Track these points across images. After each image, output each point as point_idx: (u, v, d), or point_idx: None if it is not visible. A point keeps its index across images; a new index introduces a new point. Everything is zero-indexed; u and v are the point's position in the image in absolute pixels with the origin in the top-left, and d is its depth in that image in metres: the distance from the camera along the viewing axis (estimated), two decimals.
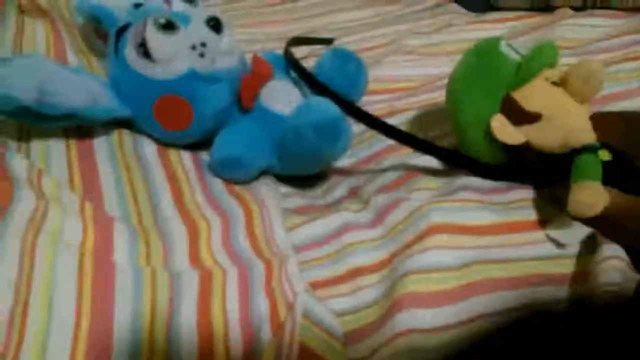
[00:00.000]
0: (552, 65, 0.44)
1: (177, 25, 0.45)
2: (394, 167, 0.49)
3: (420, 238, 0.41)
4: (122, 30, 0.48)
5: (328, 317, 0.37)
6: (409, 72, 0.63)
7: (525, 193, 0.45)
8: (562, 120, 0.43)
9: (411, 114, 0.56)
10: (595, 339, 0.34)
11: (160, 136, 0.48)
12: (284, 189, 0.50)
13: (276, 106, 0.47)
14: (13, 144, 0.44)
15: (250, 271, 0.38)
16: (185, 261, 0.38)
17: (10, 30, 0.60)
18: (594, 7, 0.74)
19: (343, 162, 0.52)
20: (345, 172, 0.51)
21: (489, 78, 0.44)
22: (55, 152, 0.44)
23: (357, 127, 0.54)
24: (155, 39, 0.44)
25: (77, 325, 0.32)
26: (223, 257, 0.39)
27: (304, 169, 0.49)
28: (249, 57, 0.51)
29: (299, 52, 0.66)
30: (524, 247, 0.41)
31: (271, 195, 0.46)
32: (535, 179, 0.45)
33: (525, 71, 0.43)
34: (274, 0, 0.84)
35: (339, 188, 0.49)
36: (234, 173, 0.47)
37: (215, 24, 0.47)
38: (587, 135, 0.42)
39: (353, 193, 0.49)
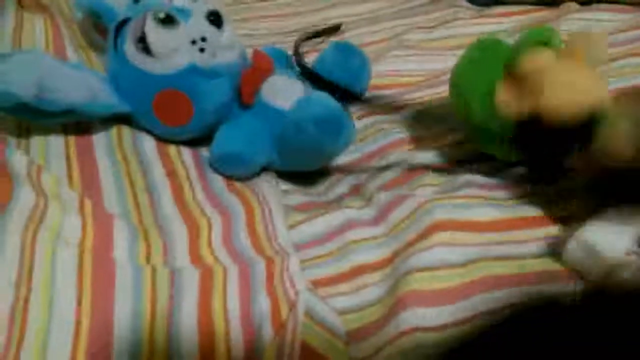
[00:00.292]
0: (548, 42, 0.42)
1: (177, 19, 0.45)
2: (396, 164, 0.49)
3: (423, 235, 0.40)
4: (121, 25, 0.47)
5: (330, 315, 0.37)
6: (413, 66, 0.63)
7: (532, 189, 0.45)
8: (568, 77, 0.39)
9: (416, 108, 0.56)
10: (602, 333, 0.34)
11: (160, 132, 0.48)
12: (285, 185, 0.49)
13: (277, 101, 0.47)
14: (12, 141, 0.43)
15: (251, 269, 0.38)
16: (185, 259, 0.38)
17: (10, 26, 0.59)
18: (600, 1, 0.73)
19: (345, 158, 0.51)
20: (347, 169, 0.51)
21: (493, 69, 0.43)
22: (54, 148, 0.44)
23: (359, 123, 0.54)
24: (155, 34, 0.44)
25: (78, 322, 0.31)
26: (224, 255, 0.39)
27: (304, 165, 0.49)
28: (249, 51, 0.50)
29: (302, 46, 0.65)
30: (528, 244, 0.40)
31: (272, 192, 0.46)
32: (546, 156, 0.43)
33: (522, 42, 0.41)
34: None
35: (341, 185, 0.49)
36: (234, 169, 0.47)
37: (215, 19, 0.46)
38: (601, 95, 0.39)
39: (355, 190, 0.48)
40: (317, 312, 0.37)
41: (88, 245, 0.35)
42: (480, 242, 0.40)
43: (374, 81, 0.57)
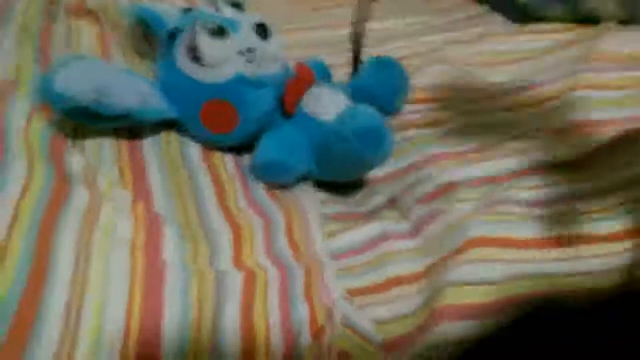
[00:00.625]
0: None
1: (227, 31, 0.46)
2: (433, 178, 0.49)
3: (459, 251, 0.41)
4: (173, 35, 0.49)
5: (366, 324, 0.38)
6: (455, 81, 0.63)
7: (566, 206, 0.45)
8: None
9: (453, 124, 0.56)
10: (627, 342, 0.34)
11: (206, 138, 0.49)
12: (323, 195, 0.50)
13: (318, 112, 0.48)
14: (70, 142, 0.45)
15: (290, 275, 0.39)
16: (229, 262, 0.39)
17: (62, 33, 0.62)
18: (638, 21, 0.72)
19: (381, 170, 0.52)
20: (383, 181, 0.51)
21: None
22: (107, 152, 0.46)
23: (397, 136, 0.54)
24: (207, 44, 0.45)
25: (129, 322, 0.32)
26: (265, 260, 0.40)
27: (344, 175, 0.50)
28: (292, 63, 0.51)
29: (336, 59, 0.66)
30: (567, 262, 0.40)
31: (310, 201, 0.47)
32: None
33: None
34: (312, 7, 0.84)
35: (377, 197, 0.49)
36: (276, 177, 0.48)
37: (262, 31, 0.48)
38: None
39: (392, 202, 0.49)
40: (353, 320, 0.37)
41: (139, 245, 0.36)
42: (517, 260, 0.40)
43: (412, 95, 0.57)
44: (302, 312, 0.36)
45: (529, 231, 0.42)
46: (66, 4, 0.67)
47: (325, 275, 0.40)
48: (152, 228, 0.38)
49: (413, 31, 0.76)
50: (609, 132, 0.51)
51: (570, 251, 0.41)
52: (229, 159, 0.49)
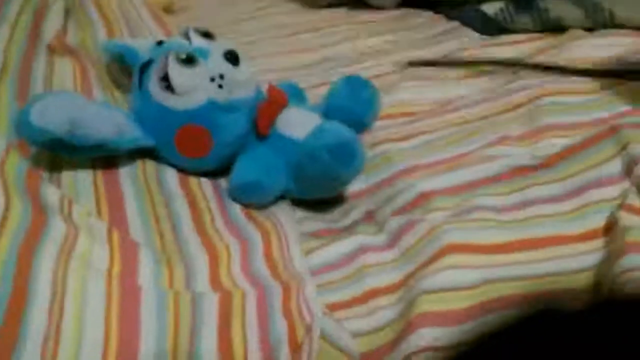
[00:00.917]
0: None
1: (197, 59, 0.48)
2: (408, 189, 0.50)
3: (434, 259, 0.41)
4: (145, 66, 0.50)
5: (345, 338, 0.38)
6: (421, 96, 0.65)
7: (542, 209, 0.46)
8: None
9: (430, 136, 0.57)
10: (611, 345, 0.34)
11: (181, 164, 0.50)
12: (301, 213, 0.51)
13: (292, 132, 0.49)
14: (46, 175, 0.46)
15: (268, 293, 0.39)
16: (206, 284, 0.39)
17: (42, 69, 0.63)
18: (604, 27, 0.75)
19: (358, 186, 0.52)
20: (360, 196, 0.52)
21: None
22: (83, 181, 0.46)
23: (370, 152, 0.55)
24: (177, 72, 0.47)
25: (105, 353, 0.32)
26: (242, 280, 0.40)
27: (319, 192, 0.50)
28: (264, 86, 0.53)
29: (310, 80, 0.68)
30: (539, 264, 0.41)
31: (288, 219, 0.48)
32: None
33: None
34: (284, 32, 0.86)
35: (354, 212, 0.50)
36: (252, 198, 0.49)
37: (232, 57, 0.49)
38: None
39: (369, 216, 0.49)
40: (332, 335, 0.37)
41: (115, 273, 0.37)
42: (491, 264, 0.41)
43: (386, 110, 0.58)
44: (280, 328, 0.36)
45: (501, 236, 0.43)
46: (48, 42, 0.69)
47: (304, 291, 0.40)
48: (128, 255, 0.39)
49: (385, 49, 0.78)
50: (576, 135, 0.53)
51: (541, 253, 0.42)
52: (206, 183, 0.50)
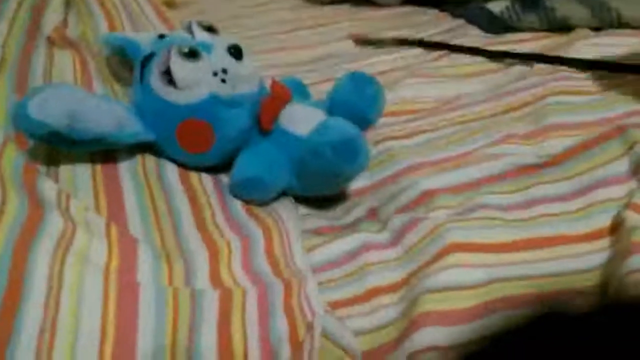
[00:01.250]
0: None
1: (199, 53, 0.47)
2: (412, 187, 0.49)
3: (438, 257, 0.41)
4: (146, 60, 0.50)
5: (347, 336, 0.37)
6: (426, 93, 0.64)
7: (548, 208, 0.45)
8: None
9: (434, 134, 0.57)
10: (617, 347, 0.34)
11: (183, 159, 0.49)
12: (303, 210, 0.50)
13: (295, 128, 0.48)
14: (43, 169, 0.45)
15: (269, 291, 0.38)
16: (206, 281, 0.39)
17: (41, 62, 0.63)
18: (610, 27, 0.74)
19: (361, 183, 0.52)
20: (363, 193, 0.52)
21: None
22: (82, 176, 0.46)
23: (374, 149, 0.55)
24: (179, 66, 0.46)
25: (102, 347, 0.32)
26: (243, 278, 0.40)
27: (322, 189, 0.50)
28: (268, 81, 0.52)
29: (314, 76, 0.68)
30: (544, 264, 0.41)
31: (290, 216, 0.47)
32: None
33: None
34: (287, 28, 0.86)
35: (357, 209, 0.50)
36: (254, 194, 0.48)
37: (235, 51, 0.49)
38: None
39: (372, 214, 0.49)
40: (334, 333, 0.37)
41: (113, 268, 0.36)
42: (495, 263, 0.40)
43: (390, 107, 0.58)
44: (281, 326, 0.36)
45: (505, 235, 0.42)
46: (48, 35, 0.68)
47: (306, 288, 0.40)
48: (126, 251, 0.38)
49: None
50: (581, 135, 0.52)
51: (547, 252, 0.42)
52: (207, 178, 0.49)
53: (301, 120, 0.49)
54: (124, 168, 0.48)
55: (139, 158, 0.49)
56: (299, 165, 0.48)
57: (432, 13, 0.88)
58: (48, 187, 0.41)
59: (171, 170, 0.49)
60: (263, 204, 0.48)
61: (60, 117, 0.43)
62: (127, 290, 0.35)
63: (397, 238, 0.44)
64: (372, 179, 0.53)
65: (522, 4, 0.77)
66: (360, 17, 0.88)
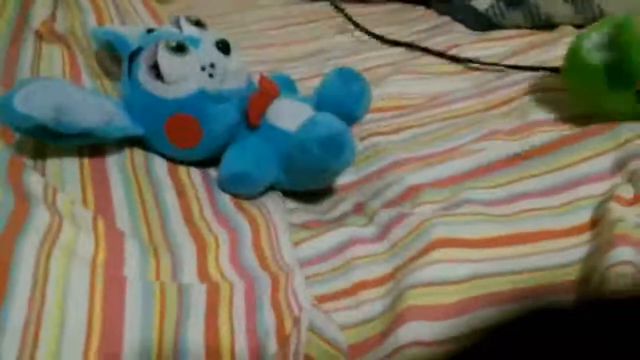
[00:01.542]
0: None
1: (187, 47, 0.47)
2: (398, 182, 0.50)
3: (424, 252, 0.41)
4: (134, 54, 0.50)
5: (333, 330, 0.38)
6: (412, 90, 0.65)
7: (532, 203, 0.46)
8: None
9: (420, 130, 0.57)
10: (600, 341, 0.34)
11: (171, 153, 0.50)
12: (290, 204, 0.50)
13: (282, 123, 0.49)
14: (29, 162, 0.45)
15: (256, 285, 0.39)
16: (193, 275, 0.39)
17: (29, 56, 0.62)
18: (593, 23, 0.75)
19: (348, 178, 0.52)
20: (350, 188, 0.52)
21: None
22: (69, 169, 0.46)
23: (360, 144, 0.55)
24: (167, 61, 0.46)
25: (88, 339, 0.32)
26: (230, 272, 0.40)
27: (310, 183, 0.50)
28: (256, 77, 0.52)
29: (302, 72, 0.68)
30: (529, 258, 0.41)
31: (278, 210, 0.47)
32: None
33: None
34: (277, 24, 0.86)
35: (344, 203, 0.50)
36: (242, 188, 0.48)
37: (224, 46, 0.49)
38: None
39: (358, 208, 0.49)
40: (320, 327, 0.37)
41: (100, 263, 0.36)
42: (480, 258, 0.41)
43: (377, 104, 0.58)
44: (268, 320, 0.36)
45: (490, 230, 0.43)
46: (36, 29, 0.68)
47: (293, 283, 0.40)
48: (113, 244, 0.38)
49: (376, 43, 0.78)
50: (566, 131, 0.53)
51: (530, 247, 0.42)
52: (195, 173, 0.49)
53: (289, 115, 0.49)
54: (112, 162, 0.47)
55: (127, 152, 0.49)
56: (286, 160, 0.48)
57: (419, 10, 0.89)
58: (34, 181, 0.41)
59: (159, 165, 0.49)
60: (251, 197, 0.49)
61: (46, 111, 0.43)
62: (114, 284, 0.35)
63: (383, 232, 0.45)
64: (358, 174, 0.53)
65: (507, 2, 0.78)
66: (349, 14, 0.88)
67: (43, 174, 0.44)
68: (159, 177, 0.48)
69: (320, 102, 0.53)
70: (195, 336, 0.34)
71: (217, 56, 0.48)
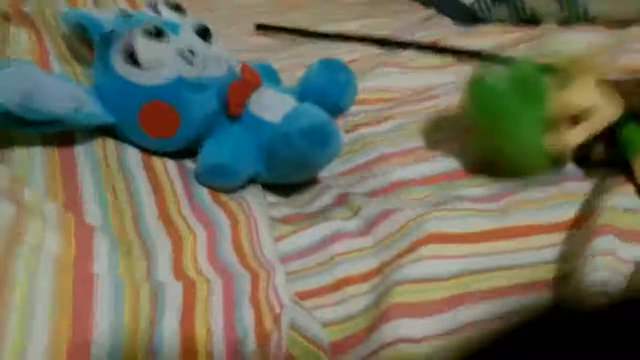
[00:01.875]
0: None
1: (165, 32, 0.45)
2: (383, 175, 0.49)
3: (412, 248, 0.40)
4: (108, 38, 0.47)
5: (315, 328, 0.37)
6: (398, 83, 0.64)
7: (522, 197, 0.45)
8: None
9: (406, 122, 0.56)
10: (591, 341, 0.34)
11: (145, 143, 0.47)
12: (271, 197, 0.49)
13: (264, 114, 0.47)
14: None
15: (235, 282, 0.37)
16: (168, 273, 0.37)
17: None
18: (578, 21, 0.75)
19: (331, 171, 0.51)
20: (333, 180, 0.51)
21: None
22: (37, 160, 0.43)
23: (345, 136, 0.54)
24: (144, 46, 0.44)
25: (55, 339, 0.30)
26: (208, 269, 0.38)
27: (292, 176, 0.49)
28: (238, 66, 0.51)
29: (285, 61, 0.66)
30: (518, 254, 0.41)
31: (258, 204, 0.46)
32: None
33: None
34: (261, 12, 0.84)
35: (326, 195, 0.49)
36: (220, 181, 0.46)
37: (203, 33, 0.47)
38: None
39: (341, 200, 0.48)
40: (302, 324, 0.36)
41: (68, 259, 0.34)
42: (469, 254, 0.40)
43: (360, 96, 0.57)
44: (247, 318, 0.35)
45: (479, 225, 0.42)
46: (3, 10, 0.64)
47: (274, 279, 0.39)
48: (83, 240, 0.36)
49: (363, 35, 0.76)
50: None
51: (520, 242, 0.42)
52: (170, 164, 0.47)
53: (271, 106, 0.47)
54: (83, 152, 0.45)
55: (99, 142, 0.47)
56: (269, 153, 0.46)
57: (405, 2, 0.88)
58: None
59: (133, 155, 0.47)
60: (230, 191, 0.47)
61: (12, 97, 0.40)
62: (83, 282, 0.33)
63: (368, 227, 0.44)
64: (343, 166, 0.52)
65: None
66: (335, 3, 0.87)
67: (9, 165, 0.42)
68: (132, 169, 0.45)
69: (305, 92, 0.52)
70: (170, 334, 0.33)
71: (196, 42, 0.46)
